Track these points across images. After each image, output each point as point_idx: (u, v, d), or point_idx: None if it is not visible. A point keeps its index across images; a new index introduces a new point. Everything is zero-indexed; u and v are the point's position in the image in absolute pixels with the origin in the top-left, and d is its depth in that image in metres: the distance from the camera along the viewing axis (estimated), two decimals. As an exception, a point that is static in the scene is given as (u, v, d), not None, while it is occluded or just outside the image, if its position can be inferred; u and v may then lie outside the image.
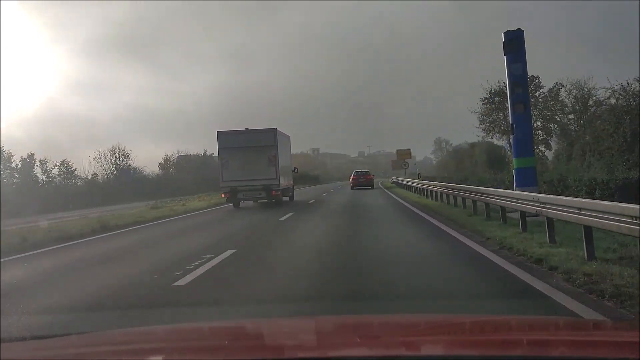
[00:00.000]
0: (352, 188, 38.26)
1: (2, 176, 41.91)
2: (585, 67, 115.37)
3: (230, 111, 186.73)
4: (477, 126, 39.65)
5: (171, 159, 66.49)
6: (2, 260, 9.26)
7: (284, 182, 23.07)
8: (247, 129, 22.36)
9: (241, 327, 2.85)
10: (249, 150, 21.37)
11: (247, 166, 21.13)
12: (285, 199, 24.14)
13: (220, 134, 22.05)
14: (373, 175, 44.36)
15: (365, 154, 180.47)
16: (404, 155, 52.28)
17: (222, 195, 22.09)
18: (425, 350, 1.94)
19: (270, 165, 21.37)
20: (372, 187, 39.11)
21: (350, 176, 41.83)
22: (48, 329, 4.84)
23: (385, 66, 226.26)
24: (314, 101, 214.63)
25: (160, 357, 2.10)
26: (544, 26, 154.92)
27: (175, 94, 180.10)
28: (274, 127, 22.33)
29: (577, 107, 35.37)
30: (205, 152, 70.51)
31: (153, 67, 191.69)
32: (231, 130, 22.59)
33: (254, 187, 21.07)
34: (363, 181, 38.95)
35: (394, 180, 51.18)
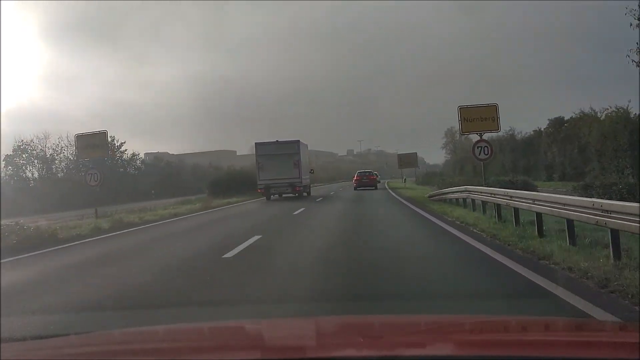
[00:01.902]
0: (355, 189, 38.68)
1: None
2: None
3: (208, 104, 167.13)
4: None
5: None
6: None
7: (305, 180, 29.77)
8: (277, 141, 29.25)
9: (241, 328, 2.82)
10: (278, 156, 28.01)
11: (277, 168, 27.64)
12: (304, 193, 30.01)
13: (257, 144, 29.51)
14: (376, 176, 44.90)
15: (355, 152, 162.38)
16: (483, 123, 15.98)
17: (258, 190, 28.68)
18: (426, 351, 1.92)
19: (295, 168, 28.01)
20: (376, 188, 39.81)
21: (354, 177, 42.40)
22: None
23: (379, 60, 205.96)
24: (298, 95, 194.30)
25: (160, 357, 2.03)
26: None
27: (150, 85, 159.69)
28: (297, 139, 29.63)
29: None
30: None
31: (123, 56, 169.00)
32: (265, 141, 29.65)
33: (282, 184, 27.86)
34: (366, 182, 39.98)
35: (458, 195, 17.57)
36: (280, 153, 28.10)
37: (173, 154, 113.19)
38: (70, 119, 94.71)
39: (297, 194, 28.32)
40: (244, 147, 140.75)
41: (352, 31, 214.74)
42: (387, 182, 65.62)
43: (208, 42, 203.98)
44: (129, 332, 3.10)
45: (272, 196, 28.38)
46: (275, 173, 27.58)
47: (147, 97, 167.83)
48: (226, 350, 2.08)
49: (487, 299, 5.35)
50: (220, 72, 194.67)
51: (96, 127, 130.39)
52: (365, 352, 1.93)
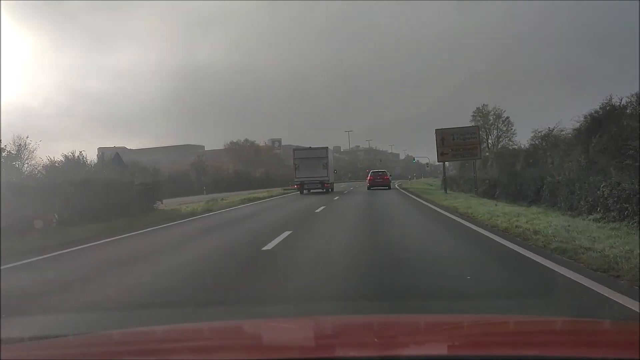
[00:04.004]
0: (368, 188, 39.83)
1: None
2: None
3: (180, 96, 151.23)
4: None
5: None
6: None
7: (331, 179, 37.67)
8: (310, 147, 37.96)
9: (241, 328, 2.82)
10: (311, 159, 35.56)
11: (310, 169, 35.12)
12: (329, 189, 36.75)
13: (294, 150, 38.50)
14: (389, 176, 45.08)
15: (342, 150, 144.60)
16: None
17: (295, 186, 37.23)
18: (426, 350, 1.92)
19: (324, 169, 35.42)
20: (389, 188, 40.55)
21: (367, 177, 43.07)
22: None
23: (370, 51, 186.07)
24: (279, 85, 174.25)
25: (160, 358, 2.02)
26: None
27: (114, 74, 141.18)
28: (326, 146, 38.19)
29: None
30: None
31: (85, 41, 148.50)
32: (301, 147, 39.83)
33: (314, 181, 35.13)
34: (380, 181, 40.67)
35: None
36: (312, 157, 35.95)
37: (132, 149, 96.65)
38: (25, 109, 79.68)
39: (325, 190, 35.19)
40: (217, 142, 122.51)
41: (339, 20, 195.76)
42: (403, 183, 47.12)
43: (178, 26, 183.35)
44: (129, 332, 3.10)
45: (304, 191, 35.52)
46: (309, 172, 35.17)
47: (113, 87, 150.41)
48: (226, 350, 2.08)
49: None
50: (192, 61, 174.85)
51: (53, 118, 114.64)
52: (365, 352, 1.93)
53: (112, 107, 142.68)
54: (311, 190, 35.52)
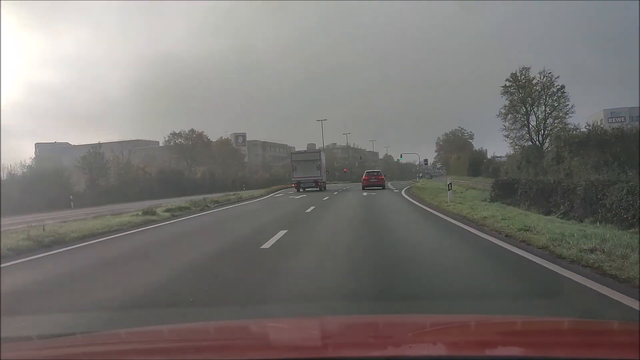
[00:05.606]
0: (363, 188, 39.57)
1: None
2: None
3: (139, 87, 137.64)
4: None
5: None
6: None
7: (324, 178, 42.65)
8: (305, 151, 48.74)
9: (247, 327, 2.82)
10: (307, 161, 40.33)
11: (306, 170, 39.59)
12: (323, 188, 41.08)
13: (292, 153, 45.67)
14: (384, 176, 45.49)
15: (317, 147, 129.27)
16: None
17: (293, 185, 40.80)
18: (431, 351, 1.92)
19: (318, 169, 39.94)
20: (384, 188, 40.13)
21: (362, 177, 43.73)
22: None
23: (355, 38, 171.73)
24: (248, 74, 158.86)
25: (165, 357, 2.02)
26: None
27: (70, 63, 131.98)
28: (319, 149, 47.53)
29: None
30: None
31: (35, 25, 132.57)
32: (298, 151, 48.95)
33: (309, 181, 39.39)
34: (375, 182, 40.99)
35: None
36: (308, 159, 40.57)
37: (75, 145, 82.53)
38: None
39: (319, 188, 39.01)
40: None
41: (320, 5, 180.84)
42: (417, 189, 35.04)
43: (140, 13, 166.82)
44: (134, 331, 3.09)
45: (300, 189, 38.98)
46: (304, 173, 39.40)
47: (68, 78, 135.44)
48: (232, 350, 2.07)
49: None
50: (154, 50, 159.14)
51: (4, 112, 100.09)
52: (370, 352, 1.92)
53: (67, 100, 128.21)
54: (306, 189, 39.12)
